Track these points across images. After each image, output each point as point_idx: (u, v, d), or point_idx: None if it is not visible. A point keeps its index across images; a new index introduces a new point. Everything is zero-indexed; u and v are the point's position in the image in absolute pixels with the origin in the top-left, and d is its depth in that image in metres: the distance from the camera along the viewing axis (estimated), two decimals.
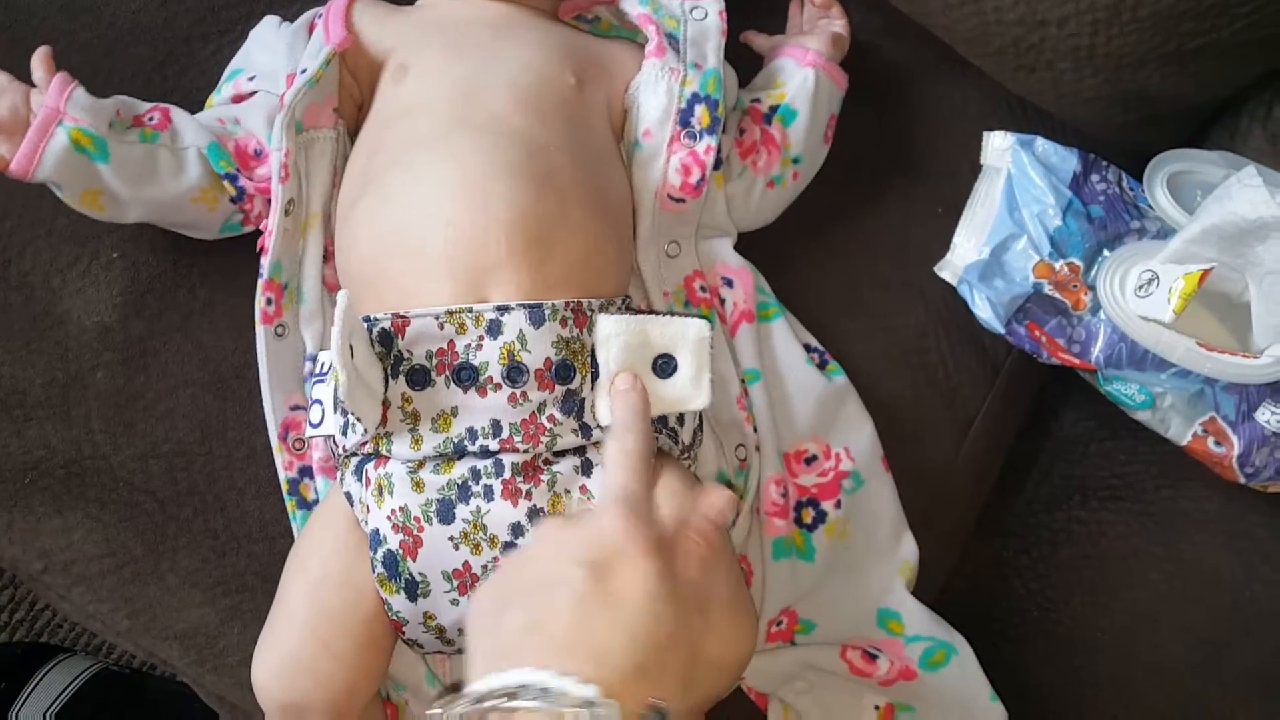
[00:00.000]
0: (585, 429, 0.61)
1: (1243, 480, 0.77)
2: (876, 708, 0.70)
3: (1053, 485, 0.86)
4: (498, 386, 0.60)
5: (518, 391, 0.61)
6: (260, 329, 0.68)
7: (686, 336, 0.62)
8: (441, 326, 0.61)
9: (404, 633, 0.63)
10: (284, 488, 0.70)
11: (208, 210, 0.70)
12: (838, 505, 0.72)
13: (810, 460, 0.72)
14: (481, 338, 0.61)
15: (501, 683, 0.45)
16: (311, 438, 0.70)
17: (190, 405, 0.73)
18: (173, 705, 1.10)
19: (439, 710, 0.45)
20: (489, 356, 0.60)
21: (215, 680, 0.73)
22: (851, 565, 0.72)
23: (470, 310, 0.61)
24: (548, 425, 0.61)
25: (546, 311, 0.61)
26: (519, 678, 0.44)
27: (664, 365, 0.63)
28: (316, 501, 0.70)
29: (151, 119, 0.69)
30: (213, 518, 0.72)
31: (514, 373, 0.60)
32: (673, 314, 0.65)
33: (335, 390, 0.61)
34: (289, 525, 0.71)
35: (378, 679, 0.66)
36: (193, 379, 0.73)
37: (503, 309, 0.61)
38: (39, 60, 0.67)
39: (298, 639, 0.62)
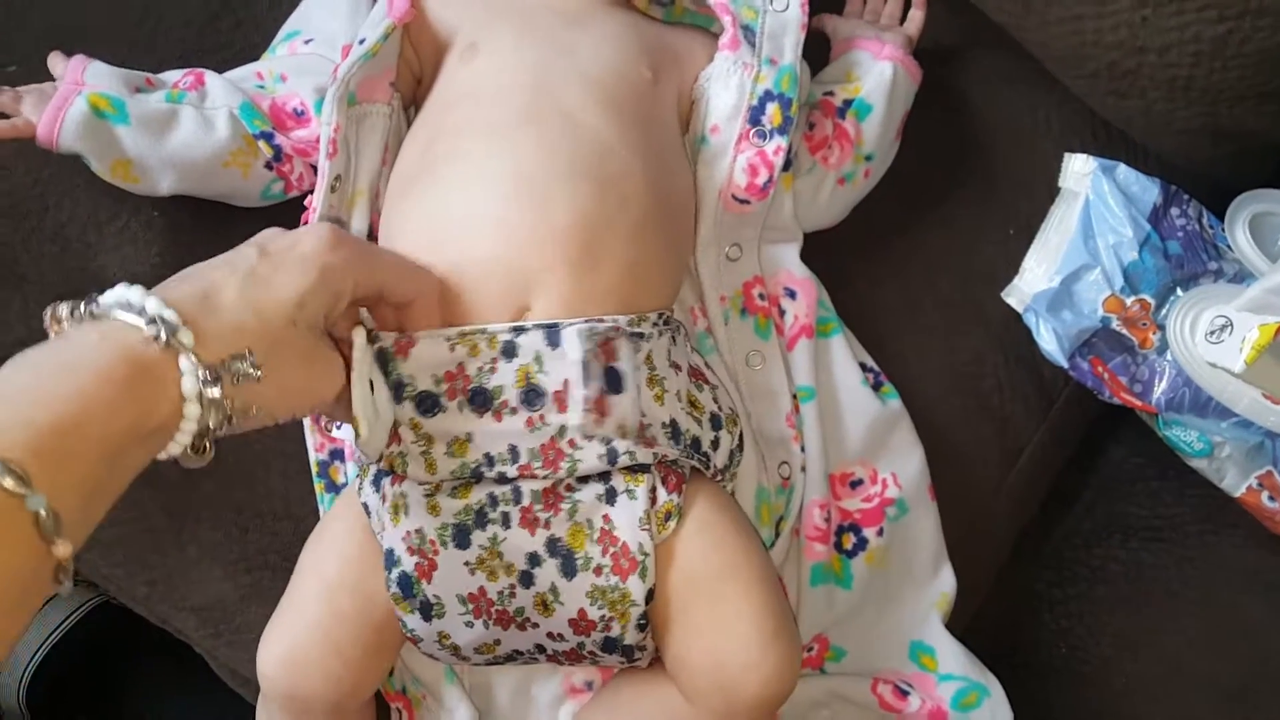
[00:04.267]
0: (612, 453, 0.58)
1: None
2: None
3: (1095, 521, 0.84)
4: (514, 410, 0.57)
5: (535, 415, 0.57)
6: None
7: None
8: (452, 349, 0.58)
9: (420, 648, 0.62)
10: (314, 469, 0.68)
11: (241, 177, 0.68)
12: (880, 533, 0.70)
13: (856, 484, 0.70)
14: (495, 360, 0.57)
15: (102, 298, 0.46)
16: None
17: None
18: (170, 648, 1.10)
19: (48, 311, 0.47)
20: (504, 379, 0.57)
21: (230, 655, 0.72)
22: (888, 594, 0.71)
23: (484, 331, 0.58)
24: (568, 450, 0.57)
25: (563, 331, 0.58)
26: (119, 294, 0.46)
27: None
28: (345, 485, 0.68)
29: (184, 83, 0.67)
30: (237, 492, 0.70)
31: (531, 395, 0.57)
32: None
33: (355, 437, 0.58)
34: (314, 506, 0.69)
35: (380, 681, 0.65)
36: None
37: (518, 330, 0.58)
38: (55, 59, 0.68)
39: (308, 636, 0.60)
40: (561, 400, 0.57)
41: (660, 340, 0.62)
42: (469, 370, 0.58)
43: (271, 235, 0.53)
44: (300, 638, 0.60)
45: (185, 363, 0.45)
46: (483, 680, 0.68)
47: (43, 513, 0.39)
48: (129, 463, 0.44)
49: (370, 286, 0.55)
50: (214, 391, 0.45)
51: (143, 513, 0.70)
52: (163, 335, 0.44)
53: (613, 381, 0.58)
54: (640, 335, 0.60)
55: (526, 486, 0.58)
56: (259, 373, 0.47)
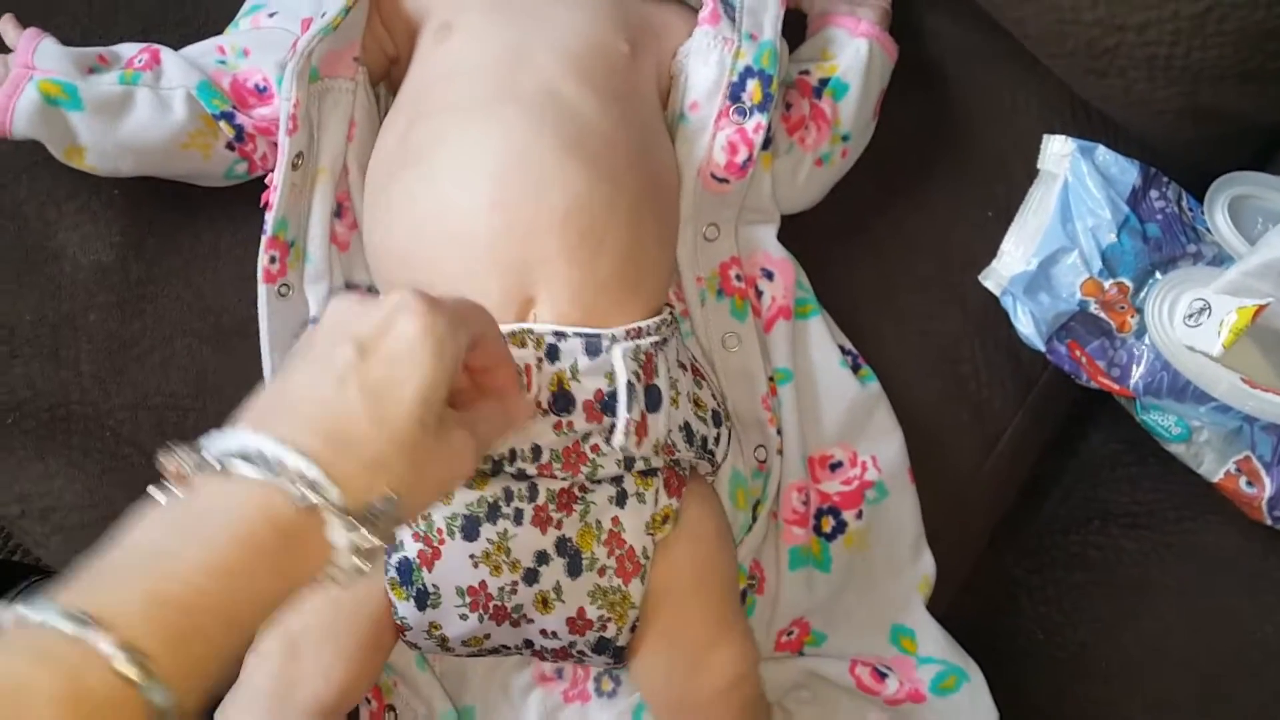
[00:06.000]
0: (629, 460, 0.58)
1: (1269, 522, 0.74)
2: None
3: (1073, 506, 0.83)
4: (545, 412, 0.56)
5: (563, 420, 0.56)
6: (262, 288, 0.64)
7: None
8: None
9: (405, 637, 0.60)
10: None
11: (202, 159, 0.66)
12: (859, 515, 0.69)
13: (835, 467, 0.69)
14: (540, 360, 0.56)
15: (227, 444, 0.41)
16: None
17: (186, 357, 0.69)
18: None
19: (164, 459, 0.42)
20: (541, 381, 0.56)
21: None
22: (868, 578, 0.70)
23: (532, 332, 0.56)
24: (590, 455, 0.57)
25: (605, 343, 0.57)
26: (245, 441, 0.41)
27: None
28: None
29: (139, 61, 0.65)
30: None
31: (561, 400, 0.56)
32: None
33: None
34: None
35: (369, 687, 0.63)
36: (191, 329, 0.69)
37: (560, 335, 0.57)
38: (6, 24, 0.66)
39: (307, 620, 0.58)
40: (591, 409, 0.56)
41: (672, 342, 0.62)
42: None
43: (355, 320, 0.45)
44: (299, 623, 0.58)
45: (333, 520, 0.41)
46: (454, 667, 0.67)
47: (161, 705, 0.35)
48: (260, 624, 0.41)
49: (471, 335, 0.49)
50: (364, 539, 0.42)
51: (105, 498, 0.68)
52: (310, 498, 0.40)
53: (652, 400, 0.58)
54: (664, 341, 0.60)
55: (544, 485, 0.57)
56: (402, 503, 0.43)
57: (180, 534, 0.39)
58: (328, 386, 0.43)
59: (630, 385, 0.57)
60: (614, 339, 0.57)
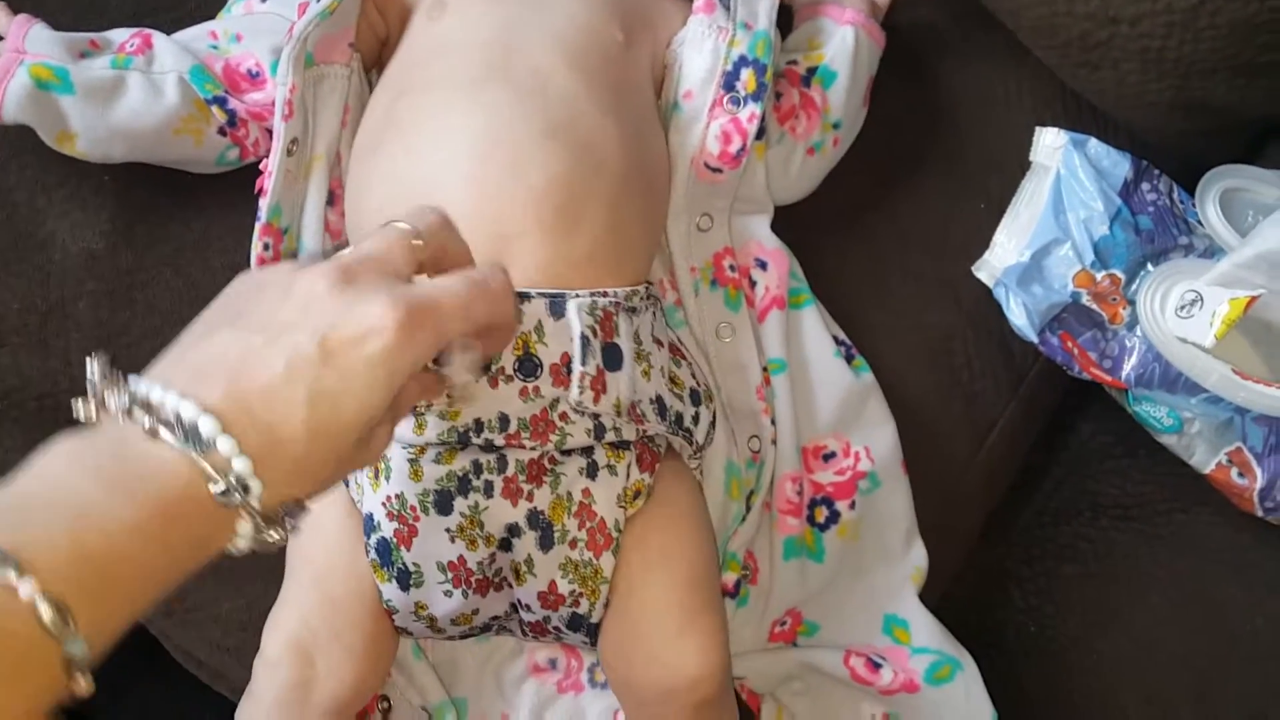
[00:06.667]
0: (600, 428, 0.57)
1: (1260, 514, 0.75)
2: (874, 717, 0.68)
3: (1063, 498, 0.83)
4: (509, 379, 0.56)
5: (529, 386, 0.56)
6: None
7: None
8: None
9: (394, 621, 0.60)
10: None
11: (194, 145, 0.66)
12: (852, 506, 0.69)
13: (829, 457, 0.69)
14: None
15: (163, 403, 0.40)
16: None
17: None
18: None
19: (94, 366, 0.42)
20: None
21: (183, 635, 0.70)
22: (861, 568, 0.70)
23: None
24: (559, 423, 0.57)
25: (569, 303, 0.56)
26: (183, 410, 0.39)
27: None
28: None
29: (130, 45, 0.65)
30: None
31: (527, 365, 0.56)
32: None
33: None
34: None
35: (382, 677, 0.62)
36: (182, 318, 0.66)
37: (523, 296, 0.56)
38: None
39: (310, 622, 0.58)
40: (558, 373, 0.56)
41: (646, 315, 0.61)
42: None
43: (329, 314, 0.42)
44: (304, 624, 0.58)
45: (246, 516, 0.40)
46: (447, 658, 0.67)
47: (78, 656, 0.35)
48: (171, 586, 0.40)
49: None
50: (271, 535, 0.42)
51: None
52: (234, 496, 0.39)
53: (612, 358, 0.57)
54: (633, 309, 0.59)
55: (513, 456, 0.57)
56: (311, 507, 0.44)
57: (107, 486, 0.38)
58: (276, 369, 0.41)
59: (585, 338, 0.56)
60: (575, 296, 0.57)
